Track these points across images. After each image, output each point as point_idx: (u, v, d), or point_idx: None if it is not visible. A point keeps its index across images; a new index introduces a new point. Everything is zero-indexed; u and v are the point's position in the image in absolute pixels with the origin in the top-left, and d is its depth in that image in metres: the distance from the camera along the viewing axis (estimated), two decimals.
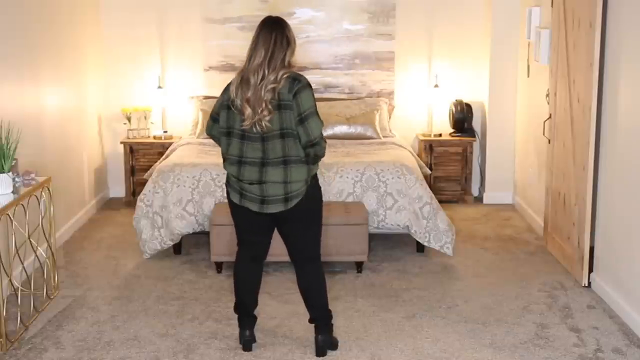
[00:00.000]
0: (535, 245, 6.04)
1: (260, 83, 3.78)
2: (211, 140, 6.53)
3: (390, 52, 7.35)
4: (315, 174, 3.99)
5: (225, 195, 5.50)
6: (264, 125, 3.78)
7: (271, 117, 3.77)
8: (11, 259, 4.42)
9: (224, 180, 5.50)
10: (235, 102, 3.84)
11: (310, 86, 3.83)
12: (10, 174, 4.29)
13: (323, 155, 3.93)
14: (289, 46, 3.84)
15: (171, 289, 5.10)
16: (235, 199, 3.97)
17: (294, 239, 4.05)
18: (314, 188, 3.98)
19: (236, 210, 4.03)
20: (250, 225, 4.05)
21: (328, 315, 4.13)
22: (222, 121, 3.91)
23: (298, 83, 3.78)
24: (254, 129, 3.81)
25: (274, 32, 3.82)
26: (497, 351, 4.18)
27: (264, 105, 3.76)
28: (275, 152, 3.82)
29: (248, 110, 3.79)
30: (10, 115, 4.75)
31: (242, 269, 4.15)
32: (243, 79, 3.84)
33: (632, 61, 4.50)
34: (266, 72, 3.78)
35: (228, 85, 3.93)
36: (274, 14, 4.08)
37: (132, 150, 7.11)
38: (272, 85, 3.76)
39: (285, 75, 3.78)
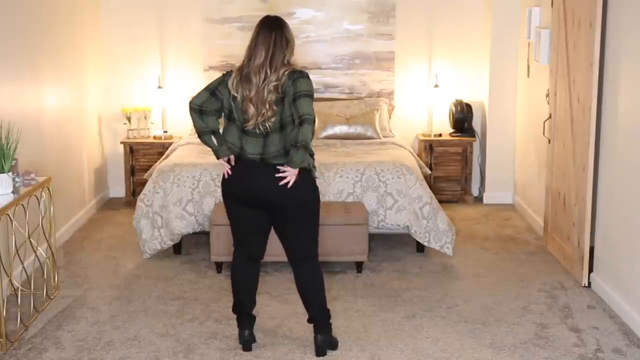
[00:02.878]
0: (535, 245, 6.04)
1: (262, 83, 3.80)
2: None
3: (390, 52, 7.35)
4: (313, 176, 3.98)
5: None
6: (267, 125, 3.82)
7: (275, 117, 3.81)
8: (11, 259, 4.42)
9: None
10: (236, 98, 3.86)
11: (309, 78, 3.85)
12: (10, 174, 4.29)
13: (309, 141, 3.74)
14: (288, 46, 3.87)
15: (171, 289, 5.10)
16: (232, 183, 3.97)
17: (290, 237, 4.04)
18: (310, 189, 3.98)
19: (231, 201, 4.02)
20: (245, 219, 4.03)
21: (326, 314, 4.13)
22: (226, 101, 3.88)
23: (299, 74, 3.83)
24: (257, 130, 3.85)
25: (273, 32, 3.85)
26: (497, 351, 4.18)
27: (267, 106, 3.80)
28: (275, 146, 3.84)
29: (252, 110, 3.82)
30: (10, 115, 4.75)
31: (239, 269, 4.15)
32: (243, 77, 3.85)
33: (632, 61, 4.50)
34: (268, 72, 3.81)
35: (227, 74, 3.93)
36: (274, 14, 4.09)
37: (132, 150, 7.11)
38: (275, 84, 3.79)
39: (287, 72, 3.82)
